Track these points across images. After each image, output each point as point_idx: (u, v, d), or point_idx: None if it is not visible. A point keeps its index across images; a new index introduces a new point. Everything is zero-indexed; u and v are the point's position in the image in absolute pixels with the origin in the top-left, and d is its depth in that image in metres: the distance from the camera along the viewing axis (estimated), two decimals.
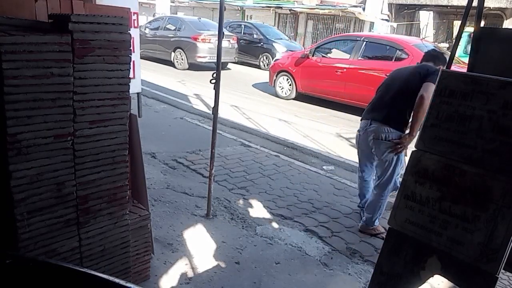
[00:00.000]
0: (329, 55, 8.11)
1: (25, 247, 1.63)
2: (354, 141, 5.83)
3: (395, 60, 6.96)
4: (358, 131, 3.26)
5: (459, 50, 8.87)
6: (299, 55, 8.62)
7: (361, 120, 3.24)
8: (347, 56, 7.66)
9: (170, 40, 11.92)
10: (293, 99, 8.65)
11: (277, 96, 8.89)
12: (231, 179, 4.06)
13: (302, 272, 2.65)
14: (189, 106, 7.28)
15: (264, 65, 12.90)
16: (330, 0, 18.39)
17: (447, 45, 17.97)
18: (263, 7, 20.27)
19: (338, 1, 18.01)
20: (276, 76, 8.88)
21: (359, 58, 7.43)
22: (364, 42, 7.48)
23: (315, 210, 3.57)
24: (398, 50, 7.04)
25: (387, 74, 3.35)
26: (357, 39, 7.73)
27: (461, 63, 7.12)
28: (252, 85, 10.12)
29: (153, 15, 18.84)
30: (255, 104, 7.92)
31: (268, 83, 9.25)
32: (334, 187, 4.12)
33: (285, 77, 8.70)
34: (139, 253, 2.28)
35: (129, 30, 1.79)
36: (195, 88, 8.98)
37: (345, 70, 7.46)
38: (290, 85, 8.63)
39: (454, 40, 2.15)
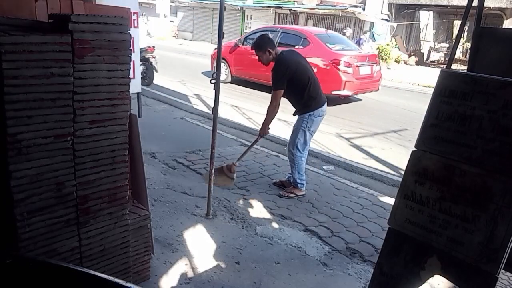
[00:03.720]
0: None
1: (25, 247, 1.63)
2: (354, 141, 5.92)
3: (300, 46, 8.16)
4: (323, 115, 3.79)
5: None
6: (232, 44, 9.70)
7: (322, 105, 3.75)
8: None
9: None
10: (229, 82, 9.72)
11: None
12: None
13: (302, 272, 2.65)
14: (189, 106, 7.29)
15: None
16: (330, 0, 18.36)
17: (447, 45, 17.99)
18: (263, 7, 20.25)
19: (338, 1, 17.98)
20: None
21: (276, 45, 8.11)
22: (280, 33, 8.87)
23: (315, 210, 3.57)
24: (303, 39, 8.37)
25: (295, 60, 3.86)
26: (275, 30, 9.15)
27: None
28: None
29: None
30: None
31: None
32: (334, 187, 4.12)
33: (222, 63, 9.39)
34: (139, 253, 2.28)
35: (129, 30, 1.79)
36: (195, 88, 8.99)
37: None
38: (226, 70, 9.75)
39: (454, 40, 2.15)
